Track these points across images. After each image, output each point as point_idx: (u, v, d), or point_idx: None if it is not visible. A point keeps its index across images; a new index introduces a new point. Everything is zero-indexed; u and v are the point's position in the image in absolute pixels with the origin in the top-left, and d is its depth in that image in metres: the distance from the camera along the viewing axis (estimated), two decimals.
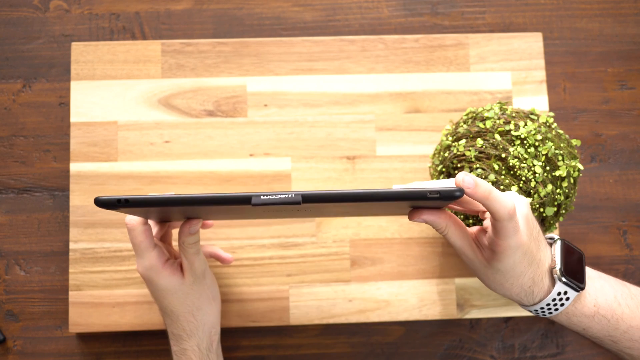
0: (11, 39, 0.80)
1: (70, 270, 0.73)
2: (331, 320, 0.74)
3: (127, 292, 0.74)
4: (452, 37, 0.80)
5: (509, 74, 0.79)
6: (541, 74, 0.79)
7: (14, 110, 0.78)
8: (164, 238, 0.67)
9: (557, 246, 0.58)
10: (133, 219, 0.60)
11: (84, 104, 0.77)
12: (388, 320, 0.75)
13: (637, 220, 0.80)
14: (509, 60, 0.80)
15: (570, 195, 0.67)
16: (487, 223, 0.56)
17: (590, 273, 0.60)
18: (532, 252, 0.54)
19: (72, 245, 0.74)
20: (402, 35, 0.80)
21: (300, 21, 0.82)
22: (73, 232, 0.74)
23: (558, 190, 0.65)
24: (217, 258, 0.70)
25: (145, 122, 0.76)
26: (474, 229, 0.57)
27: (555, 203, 0.65)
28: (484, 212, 0.56)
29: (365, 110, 0.78)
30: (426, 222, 0.53)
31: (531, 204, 0.64)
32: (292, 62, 0.79)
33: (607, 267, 0.78)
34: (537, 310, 0.58)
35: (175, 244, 0.71)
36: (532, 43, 0.80)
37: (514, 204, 0.51)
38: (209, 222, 0.69)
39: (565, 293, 0.56)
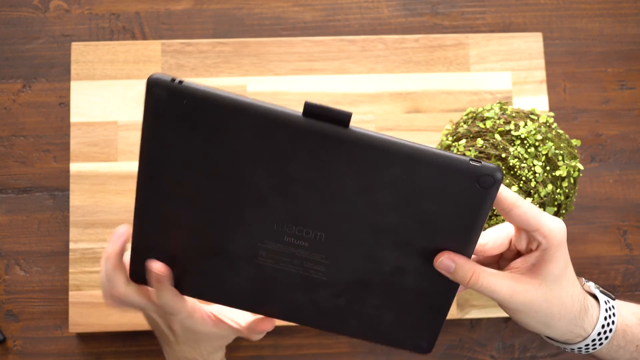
0: (11, 39, 0.80)
1: (70, 270, 0.73)
2: None
3: None
4: (452, 37, 0.80)
5: (509, 74, 0.79)
6: (541, 74, 0.79)
7: (14, 110, 0.78)
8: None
9: None
10: (161, 269, 0.49)
11: (84, 104, 0.77)
12: None
13: (637, 220, 0.80)
14: (509, 60, 0.80)
15: (570, 195, 0.67)
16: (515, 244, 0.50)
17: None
18: (572, 270, 0.49)
19: (72, 245, 0.74)
20: (402, 35, 0.80)
21: (300, 21, 0.82)
22: (73, 232, 0.74)
23: (558, 190, 0.65)
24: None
25: None
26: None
27: (555, 203, 0.65)
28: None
29: (365, 110, 0.78)
30: (455, 264, 0.46)
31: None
32: (292, 62, 0.79)
33: (607, 267, 0.78)
34: (588, 345, 0.51)
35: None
36: (532, 43, 0.80)
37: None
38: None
39: (612, 308, 0.51)
